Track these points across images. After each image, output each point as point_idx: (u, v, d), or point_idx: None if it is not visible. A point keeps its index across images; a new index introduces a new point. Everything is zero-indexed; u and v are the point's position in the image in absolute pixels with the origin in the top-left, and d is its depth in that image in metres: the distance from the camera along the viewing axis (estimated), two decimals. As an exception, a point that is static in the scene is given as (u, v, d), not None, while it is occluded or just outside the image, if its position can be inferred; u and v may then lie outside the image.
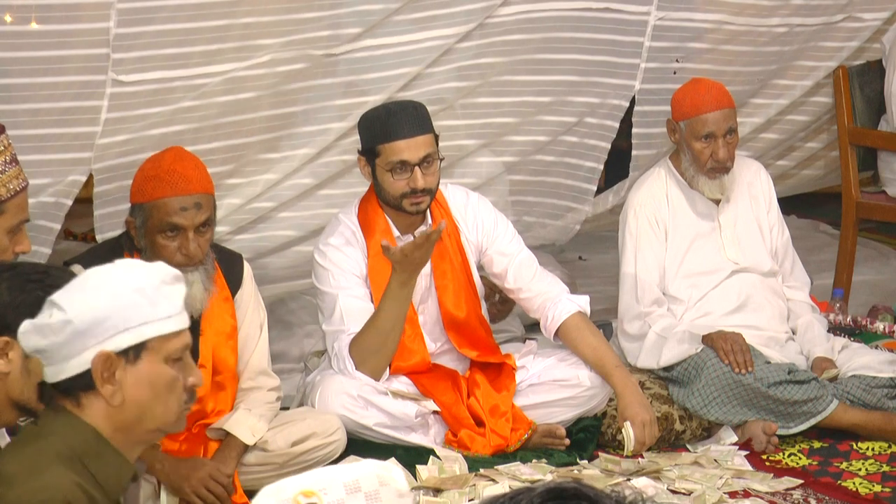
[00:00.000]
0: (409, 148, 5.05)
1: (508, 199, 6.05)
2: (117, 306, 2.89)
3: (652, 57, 6.11)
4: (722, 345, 5.37)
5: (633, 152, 6.25)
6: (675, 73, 6.08)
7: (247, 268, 4.98)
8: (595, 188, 6.27)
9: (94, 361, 2.88)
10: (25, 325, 2.90)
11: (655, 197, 5.68)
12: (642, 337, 5.51)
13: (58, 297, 2.89)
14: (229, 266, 4.89)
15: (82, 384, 2.90)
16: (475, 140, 5.96)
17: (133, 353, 2.92)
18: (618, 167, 6.32)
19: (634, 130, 6.22)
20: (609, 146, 6.19)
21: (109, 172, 5.17)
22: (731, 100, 5.62)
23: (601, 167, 6.22)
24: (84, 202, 5.41)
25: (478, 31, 5.73)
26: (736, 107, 5.70)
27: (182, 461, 4.63)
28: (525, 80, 5.95)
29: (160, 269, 2.98)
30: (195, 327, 4.67)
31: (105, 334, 2.88)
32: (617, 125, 6.17)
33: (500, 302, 5.62)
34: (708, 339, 5.42)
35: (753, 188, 5.76)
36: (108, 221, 5.25)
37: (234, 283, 4.89)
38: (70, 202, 5.17)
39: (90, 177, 5.17)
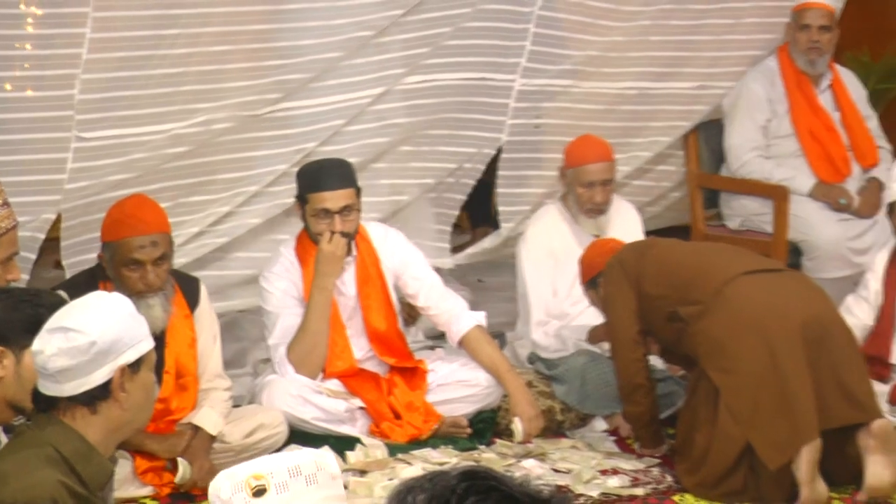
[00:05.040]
0: (331, 199, 5.08)
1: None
2: (124, 328, 2.92)
3: (516, 115, 6.17)
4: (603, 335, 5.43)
5: (498, 190, 6.29)
6: (536, 126, 6.16)
7: (203, 289, 4.98)
8: (457, 213, 6.32)
9: (116, 374, 2.91)
10: (52, 350, 2.88)
11: (547, 231, 5.72)
12: (546, 339, 5.58)
13: (70, 324, 2.89)
14: (188, 289, 4.90)
15: (100, 394, 2.92)
16: (380, 180, 6.00)
17: (136, 365, 2.95)
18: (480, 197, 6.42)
19: (500, 173, 6.24)
20: (473, 182, 6.26)
21: (74, 212, 5.19)
22: (610, 155, 5.67)
23: (464, 199, 6.27)
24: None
25: (387, 95, 5.80)
26: (615, 159, 5.74)
27: (168, 435, 4.70)
28: (421, 134, 6.00)
29: (129, 299, 3.05)
30: (160, 340, 4.70)
31: (120, 351, 2.91)
32: (482, 167, 6.24)
33: (411, 309, 5.63)
34: (593, 330, 5.49)
35: (626, 225, 5.80)
36: (73, 251, 5.25)
37: (193, 303, 4.90)
38: (42, 236, 5.18)
39: (59, 215, 5.21)
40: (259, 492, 2.21)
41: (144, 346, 2.97)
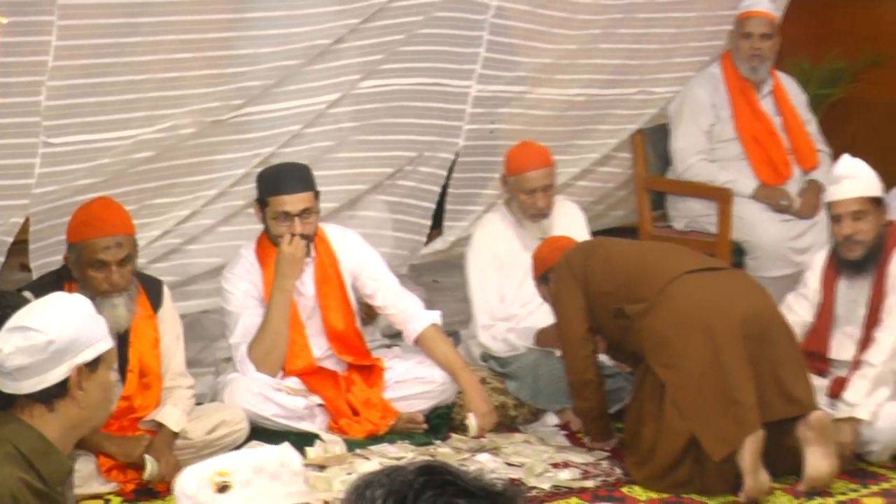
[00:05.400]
0: (291, 202, 5.09)
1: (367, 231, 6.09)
2: (83, 327, 2.92)
3: (472, 120, 6.19)
4: (549, 338, 5.48)
5: (450, 191, 6.30)
6: (491, 132, 6.21)
7: (166, 291, 4.98)
8: (430, 223, 6.31)
9: (73, 373, 2.90)
10: (10, 348, 2.88)
11: (493, 236, 5.72)
12: (494, 343, 5.63)
13: (29, 323, 2.89)
14: (151, 290, 4.89)
15: (57, 392, 2.91)
16: (342, 185, 6.00)
17: (94, 364, 2.95)
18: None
19: (455, 175, 6.26)
20: (439, 189, 6.27)
21: (43, 215, 5.17)
22: (550, 160, 5.68)
23: (433, 206, 6.27)
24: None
25: (343, 101, 5.81)
26: (554, 162, 5.75)
27: (127, 438, 4.70)
28: (375, 139, 6.01)
29: (88, 300, 3.05)
30: (124, 340, 4.73)
31: (77, 350, 2.90)
32: (445, 173, 6.24)
33: (369, 308, 5.64)
34: (540, 333, 5.54)
35: (570, 225, 5.84)
36: (41, 253, 5.23)
37: (156, 303, 4.89)
38: (10, 239, 5.17)
39: (27, 219, 5.18)
40: (223, 488, 2.20)
41: (103, 345, 2.96)
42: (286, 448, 2.26)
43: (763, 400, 4.65)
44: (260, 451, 2.24)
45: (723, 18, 6.61)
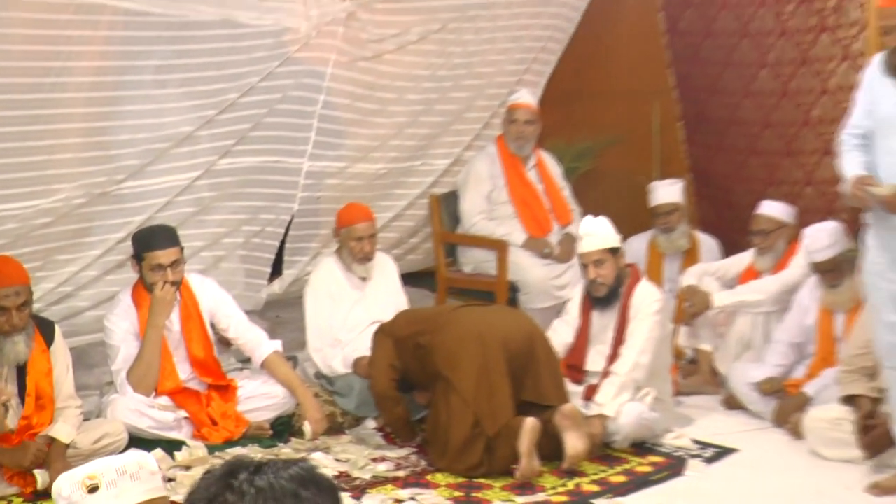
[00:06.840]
0: (164, 256, 5.06)
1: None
2: None
3: (304, 189, 6.22)
4: (362, 368, 5.48)
5: (287, 245, 6.33)
6: (317, 199, 6.25)
7: (58, 329, 4.84)
8: (269, 271, 6.32)
9: None
10: None
11: (327, 277, 5.70)
12: (323, 365, 5.60)
13: None
14: (45, 329, 4.76)
15: None
16: (203, 241, 5.96)
17: None
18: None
19: (291, 233, 6.29)
20: (278, 244, 6.29)
21: None
22: (372, 216, 5.68)
23: (273, 257, 6.29)
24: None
25: (204, 176, 5.79)
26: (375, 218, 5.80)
27: (17, 448, 4.55)
28: (230, 205, 5.99)
29: None
30: (23, 370, 4.59)
31: None
32: (282, 231, 6.26)
33: (224, 339, 5.58)
34: (356, 362, 5.54)
35: (385, 271, 5.88)
36: None
37: (49, 340, 4.76)
38: None
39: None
40: (93, 489, 2.16)
41: None
42: (145, 453, 2.23)
43: (532, 389, 4.84)
44: (122, 457, 2.21)
45: (483, 108, 6.85)
